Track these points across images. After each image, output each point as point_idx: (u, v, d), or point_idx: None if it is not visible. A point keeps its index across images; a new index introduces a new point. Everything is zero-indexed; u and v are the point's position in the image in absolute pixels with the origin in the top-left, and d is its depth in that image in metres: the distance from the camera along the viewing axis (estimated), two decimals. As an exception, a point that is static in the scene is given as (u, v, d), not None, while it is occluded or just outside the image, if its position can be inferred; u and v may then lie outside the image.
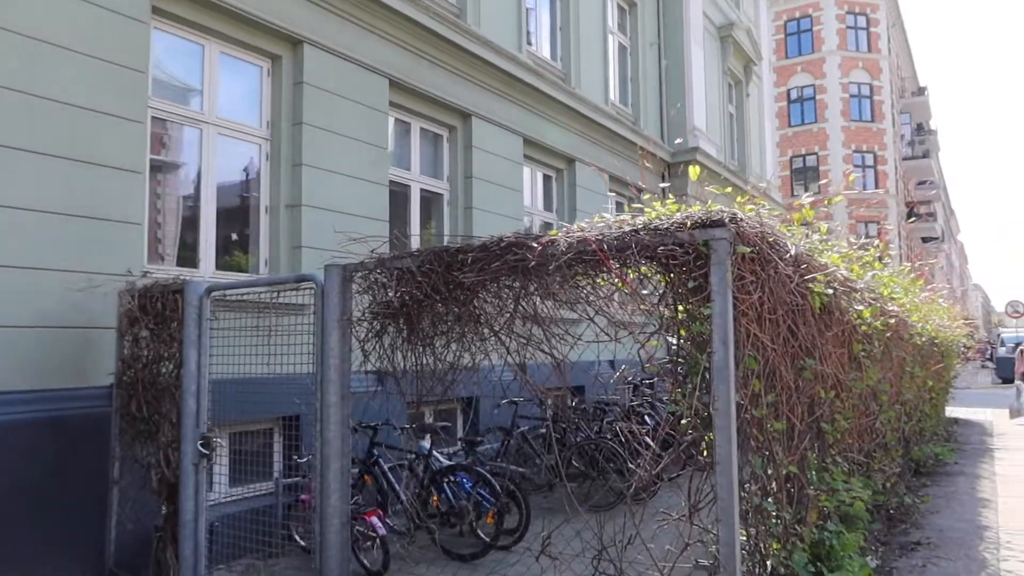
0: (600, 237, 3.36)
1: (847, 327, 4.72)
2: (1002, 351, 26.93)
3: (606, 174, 11.02)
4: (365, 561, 4.96)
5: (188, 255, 5.85)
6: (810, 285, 3.81)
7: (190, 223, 5.93)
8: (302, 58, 6.51)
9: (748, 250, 3.26)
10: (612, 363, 7.98)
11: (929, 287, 9.44)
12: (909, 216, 36.35)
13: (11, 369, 4.44)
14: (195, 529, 4.31)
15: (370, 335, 4.16)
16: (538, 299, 3.72)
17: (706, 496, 3.25)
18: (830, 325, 4.32)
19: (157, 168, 5.72)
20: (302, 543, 5.24)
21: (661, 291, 3.45)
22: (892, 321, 5.69)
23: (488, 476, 5.43)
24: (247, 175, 6.47)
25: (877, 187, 33.62)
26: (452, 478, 5.52)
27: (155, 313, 4.60)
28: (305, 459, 5.13)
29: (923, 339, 8.07)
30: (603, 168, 10.87)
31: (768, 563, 3.58)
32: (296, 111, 6.48)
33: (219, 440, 4.51)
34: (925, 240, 43.28)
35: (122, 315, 4.78)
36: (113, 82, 5.05)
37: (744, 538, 3.39)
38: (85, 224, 4.84)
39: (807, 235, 4.43)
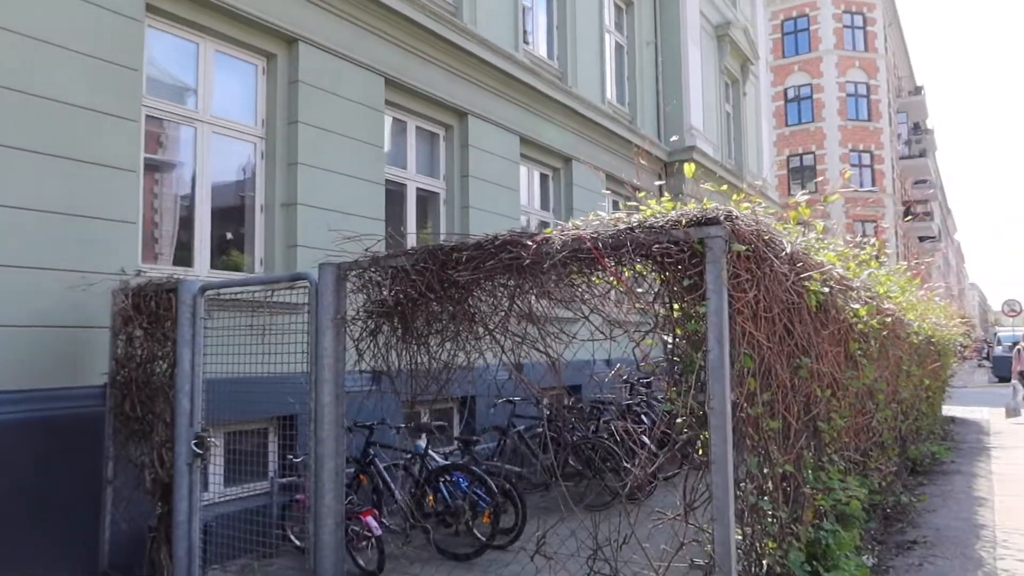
0: (595, 235, 3.34)
1: (843, 326, 4.71)
2: (999, 350, 27.03)
3: (603, 173, 11.01)
4: (360, 561, 4.96)
5: (183, 254, 5.82)
6: (806, 283, 3.80)
7: (185, 222, 5.91)
8: (297, 56, 6.49)
9: (743, 248, 3.25)
10: (608, 362, 7.95)
11: (926, 286, 9.45)
12: (906, 215, 36.37)
13: (3, 368, 4.41)
14: (189, 529, 4.29)
15: (365, 334, 4.14)
16: (533, 298, 3.71)
17: (702, 495, 3.23)
18: (826, 323, 4.31)
19: (152, 167, 5.70)
20: (298, 543, 5.23)
21: (656, 289, 3.44)
22: (888, 320, 5.68)
23: (484, 476, 5.43)
24: (242, 174, 6.44)
25: (874, 186, 33.65)
26: (448, 477, 5.51)
27: (149, 312, 4.58)
28: (300, 459, 5.12)
29: (920, 338, 8.08)
30: (600, 167, 10.86)
31: (764, 562, 3.58)
32: (291, 110, 6.45)
33: (213, 440, 4.49)
34: (922, 239, 43.31)
35: (116, 314, 4.76)
36: (107, 80, 5.02)
37: (740, 537, 3.38)
38: (79, 223, 4.81)
39: (803, 233, 4.42)
